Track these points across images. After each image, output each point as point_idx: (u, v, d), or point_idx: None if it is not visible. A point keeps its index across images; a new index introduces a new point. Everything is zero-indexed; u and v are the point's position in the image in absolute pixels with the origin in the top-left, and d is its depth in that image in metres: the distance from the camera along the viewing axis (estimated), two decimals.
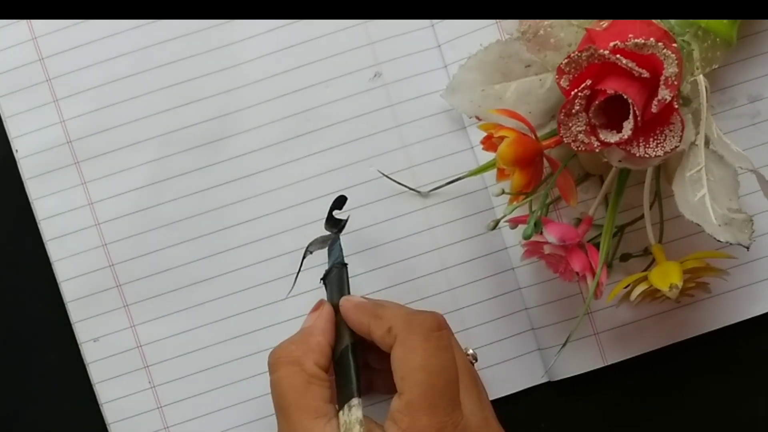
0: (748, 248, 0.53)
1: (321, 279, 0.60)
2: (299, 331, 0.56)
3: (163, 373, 0.62)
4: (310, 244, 0.61)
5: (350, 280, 0.61)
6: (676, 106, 0.50)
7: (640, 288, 0.56)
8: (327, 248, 0.60)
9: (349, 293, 0.58)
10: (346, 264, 0.59)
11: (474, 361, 0.59)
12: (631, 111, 0.49)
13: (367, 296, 0.58)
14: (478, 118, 0.60)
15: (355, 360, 0.54)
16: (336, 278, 0.59)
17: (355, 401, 0.52)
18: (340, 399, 0.53)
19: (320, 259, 0.62)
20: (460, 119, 0.63)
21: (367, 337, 0.53)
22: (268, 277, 0.63)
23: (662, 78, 0.49)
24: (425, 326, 0.51)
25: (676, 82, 0.49)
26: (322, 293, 0.61)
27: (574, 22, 0.56)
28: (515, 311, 0.63)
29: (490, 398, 0.62)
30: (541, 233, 0.56)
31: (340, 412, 0.52)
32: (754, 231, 0.53)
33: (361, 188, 0.63)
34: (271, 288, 0.63)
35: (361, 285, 0.63)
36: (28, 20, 0.62)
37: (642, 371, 0.63)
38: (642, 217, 0.59)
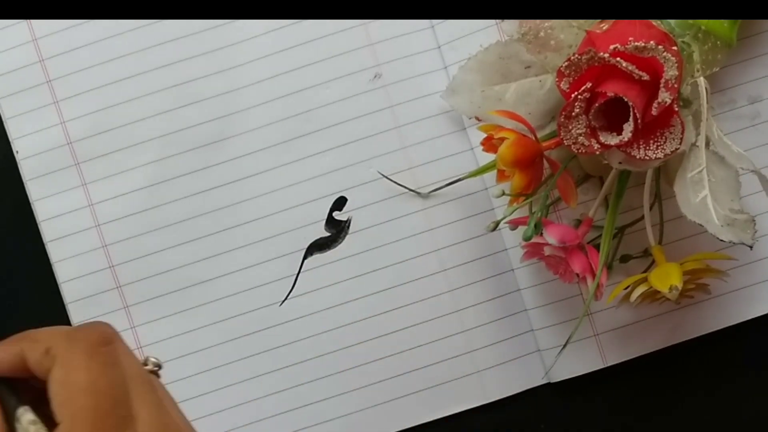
0: (751, 247, 0.53)
1: None
2: None
3: (163, 374, 0.62)
4: (310, 246, 0.61)
5: (351, 280, 0.62)
6: (676, 109, 0.50)
7: (640, 289, 0.56)
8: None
9: None
10: None
11: (156, 369, 0.50)
12: (631, 113, 0.49)
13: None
14: (478, 119, 0.60)
15: (10, 383, 0.46)
16: None
17: (21, 410, 0.45)
18: (9, 420, 0.45)
19: (320, 260, 0.62)
20: (460, 120, 0.63)
21: (22, 370, 0.44)
22: (268, 279, 0.63)
23: (662, 81, 0.49)
24: (90, 341, 0.44)
25: (676, 85, 0.49)
26: (322, 294, 0.62)
27: (575, 23, 0.56)
28: (515, 312, 0.63)
29: (490, 399, 0.63)
30: (541, 235, 0.56)
31: (17, 426, 0.45)
32: (757, 231, 0.53)
33: (361, 189, 0.63)
34: (271, 289, 0.62)
35: (362, 286, 0.63)
36: (29, 21, 0.62)
37: (642, 372, 0.63)
38: (642, 218, 0.59)
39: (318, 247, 0.60)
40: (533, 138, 0.55)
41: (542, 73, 0.59)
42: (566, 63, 0.51)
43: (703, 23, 0.55)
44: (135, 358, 0.47)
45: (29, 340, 0.44)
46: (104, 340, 0.44)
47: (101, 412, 0.42)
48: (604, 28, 0.53)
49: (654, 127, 0.51)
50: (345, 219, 0.60)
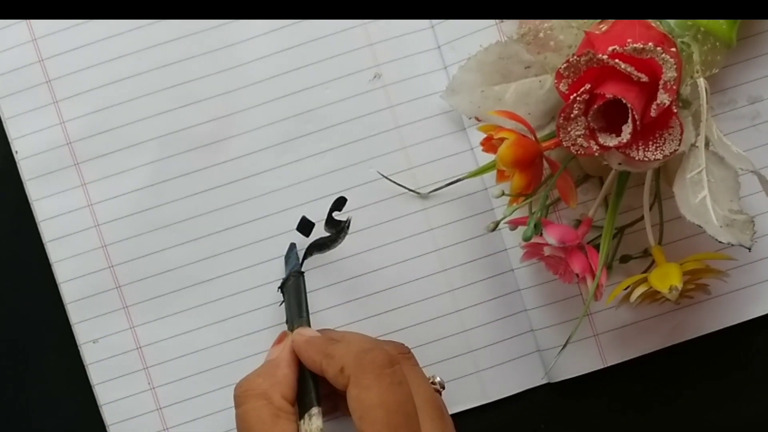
0: (749, 249, 0.53)
1: (279, 288, 0.60)
2: (265, 364, 0.55)
3: (163, 374, 0.62)
4: (310, 246, 0.61)
5: (351, 280, 0.61)
6: (675, 110, 0.50)
7: (640, 289, 0.56)
8: (284, 256, 0.61)
9: (306, 302, 0.58)
10: (303, 272, 0.59)
11: (441, 389, 0.57)
12: (630, 115, 0.49)
13: (325, 330, 0.57)
14: (477, 119, 0.60)
15: (315, 378, 0.54)
16: (293, 287, 0.59)
17: (314, 410, 0.52)
18: (300, 408, 0.53)
19: (320, 260, 0.62)
20: (460, 120, 0.63)
21: (320, 374, 0.53)
22: (267, 279, 0.62)
23: (661, 82, 0.49)
24: (377, 363, 0.51)
25: (674, 87, 0.49)
26: (322, 294, 0.62)
27: (574, 23, 0.56)
28: (515, 312, 0.63)
29: (490, 399, 0.63)
30: (541, 235, 0.56)
31: (301, 421, 0.52)
32: (756, 232, 0.53)
33: (361, 189, 0.63)
34: (271, 289, 0.62)
35: (362, 287, 0.63)
36: (28, 21, 0.62)
37: (642, 373, 0.63)
38: (642, 218, 0.59)
39: (318, 247, 0.60)
40: (533, 138, 0.55)
41: (542, 73, 0.58)
42: (565, 65, 0.51)
43: (703, 24, 0.55)
44: (422, 378, 0.55)
45: (327, 356, 0.52)
46: (389, 361, 0.51)
47: (395, 425, 0.49)
48: (604, 29, 0.52)
49: (653, 128, 0.50)
50: (345, 219, 0.60)
